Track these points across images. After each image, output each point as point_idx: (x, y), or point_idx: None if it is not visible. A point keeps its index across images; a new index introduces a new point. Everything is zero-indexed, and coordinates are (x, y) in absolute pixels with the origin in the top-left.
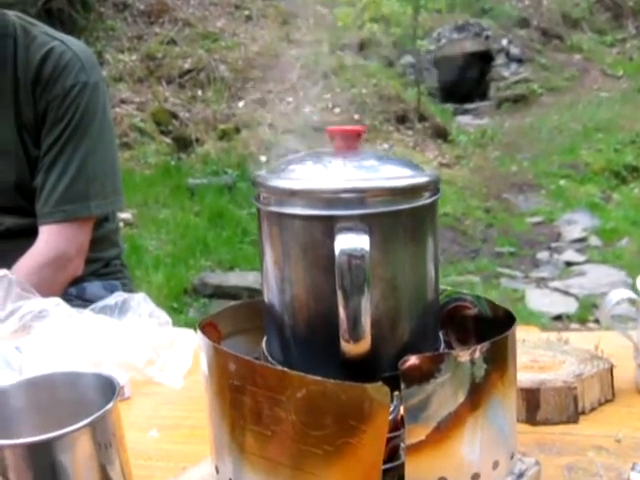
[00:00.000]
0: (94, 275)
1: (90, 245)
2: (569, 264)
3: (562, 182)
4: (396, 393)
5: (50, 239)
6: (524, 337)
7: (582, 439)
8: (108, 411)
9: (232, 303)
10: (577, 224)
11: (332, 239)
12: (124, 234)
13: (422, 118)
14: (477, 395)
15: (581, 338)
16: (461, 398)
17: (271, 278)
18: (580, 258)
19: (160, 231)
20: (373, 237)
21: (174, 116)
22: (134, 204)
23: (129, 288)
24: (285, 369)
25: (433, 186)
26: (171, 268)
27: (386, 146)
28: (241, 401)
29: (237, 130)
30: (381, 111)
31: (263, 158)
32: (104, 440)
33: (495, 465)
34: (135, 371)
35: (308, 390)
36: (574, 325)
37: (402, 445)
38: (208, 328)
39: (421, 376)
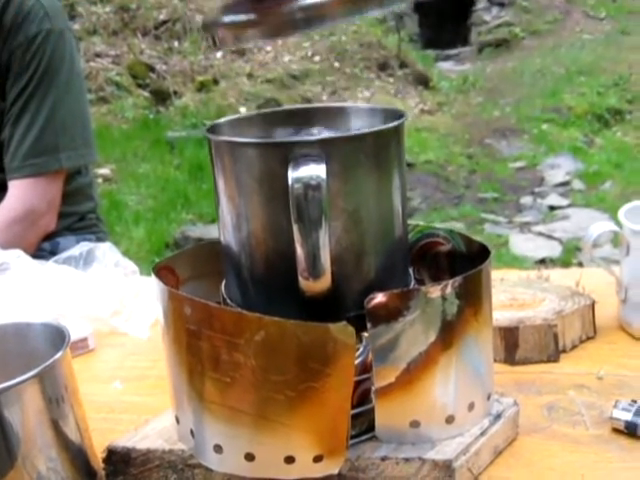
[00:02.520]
0: (68, 230)
1: (63, 199)
2: (552, 208)
3: (545, 126)
4: (364, 334)
5: (20, 194)
6: (502, 276)
7: (563, 378)
8: (57, 361)
9: (191, 246)
10: (560, 168)
11: (287, 168)
12: (103, 190)
13: (403, 65)
14: (449, 333)
15: (562, 275)
16: (432, 337)
17: (226, 215)
18: (563, 202)
19: (140, 186)
20: (332, 165)
21: (151, 69)
22: (113, 159)
23: (106, 242)
24: (242, 311)
25: (397, 112)
26: (152, 223)
27: (367, 94)
28: (198, 347)
29: (215, 81)
30: (361, 58)
31: (242, 109)
32: (55, 394)
33: (471, 407)
34: (100, 322)
35: (267, 332)
36: (558, 269)
37: (373, 389)
38: (164, 272)
39: (388, 314)
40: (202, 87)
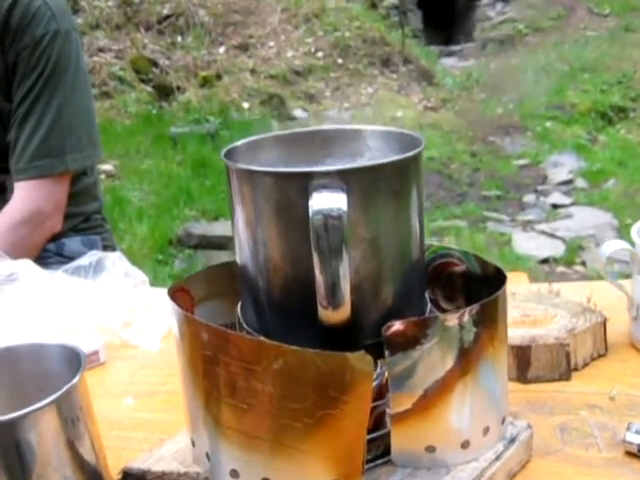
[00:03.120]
0: (73, 230)
1: (68, 200)
2: (555, 207)
3: (548, 124)
4: (380, 360)
5: (26, 196)
6: (514, 290)
7: (575, 397)
8: (74, 386)
9: (206, 267)
10: (563, 166)
11: (307, 198)
12: (106, 186)
13: (406, 61)
14: (466, 360)
15: (573, 289)
16: (449, 364)
17: (243, 240)
18: (566, 200)
19: (143, 182)
20: (351, 195)
21: (154, 64)
22: (115, 155)
23: (110, 242)
24: (260, 338)
25: (414, 137)
26: (155, 219)
27: (370, 90)
28: (215, 372)
29: (218, 77)
30: (365, 54)
31: (245, 105)
32: (71, 415)
33: (485, 431)
34: (111, 334)
35: (285, 360)
36: (561, 268)
37: (388, 412)
38: (179, 294)
39: (406, 342)
40: (205, 82)
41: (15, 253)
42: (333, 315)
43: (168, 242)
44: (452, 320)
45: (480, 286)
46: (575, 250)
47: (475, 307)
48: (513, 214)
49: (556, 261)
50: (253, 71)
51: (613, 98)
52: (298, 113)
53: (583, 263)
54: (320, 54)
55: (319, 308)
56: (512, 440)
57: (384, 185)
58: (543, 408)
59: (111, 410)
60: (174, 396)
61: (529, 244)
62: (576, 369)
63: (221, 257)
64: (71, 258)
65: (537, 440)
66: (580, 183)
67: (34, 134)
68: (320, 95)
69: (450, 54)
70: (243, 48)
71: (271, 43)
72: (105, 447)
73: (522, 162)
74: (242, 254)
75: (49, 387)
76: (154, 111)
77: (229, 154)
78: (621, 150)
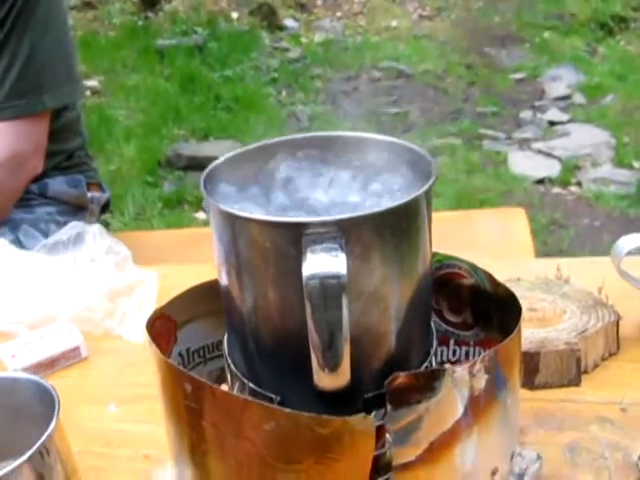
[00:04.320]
0: (56, 169)
1: (50, 137)
2: (552, 124)
3: (546, 34)
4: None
5: (3, 138)
6: (519, 275)
7: (584, 408)
8: (49, 437)
9: (184, 289)
10: (561, 80)
11: (299, 248)
12: (91, 104)
13: None
14: (476, 408)
15: (581, 273)
16: (458, 414)
17: (228, 282)
18: (564, 117)
19: (129, 99)
20: (352, 245)
21: None
22: (100, 70)
23: (95, 180)
24: (249, 399)
25: (423, 156)
26: (142, 140)
27: None
28: (200, 425)
29: None
30: None
31: (234, 14)
32: (46, 466)
33: (494, 472)
34: (91, 324)
35: (278, 423)
36: (556, 189)
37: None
38: (160, 322)
39: (411, 396)
40: None
41: None
42: (330, 381)
43: (157, 163)
44: (462, 371)
45: (489, 303)
46: (571, 170)
47: (488, 355)
48: (509, 131)
49: (552, 182)
50: None
51: (614, 7)
52: (289, 23)
53: (579, 184)
54: None
55: (314, 369)
56: (521, 475)
57: (389, 232)
58: (552, 422)
59: (93, 419)
60: (158, 403)
61: (525, 164)
62: (586, 371)
63: None
64: (55, 199)
65: (546, 462)
66: (578, 98)
67: (7, 73)
68: (312, 4)
69: None
70: None
71: None
72: (88, 466)
73: (519, 76)
74: (227, 297)
75: (23, 421)
76: (139, 22)
77: (210, 177)
78: (621, 63)
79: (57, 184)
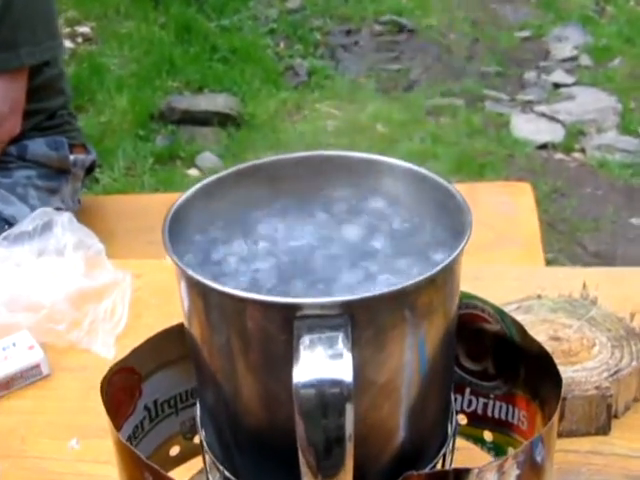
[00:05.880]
0: (36, 130)
1: (29, 95)
2: (557, 86)
3: None
4: None
5: None
6: (539, 292)
7: (613, 463)
8: None
9: (147, 337)
10: (568, 41)
11: (290, 331)
12: (82, 51)
13: None
14: None
15: (610, 289)
16: None
17: (202, 360)
18: (569, 79)
19: (122, 47)
20: (361, 330)
21: None
22: (92, 16)
23: (78, 141)
24: None
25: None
26: (135, 91)
27: None
28: None
29: None
30: None
31: None
32: None
33: None
34: (54, 336)
35: None
36: (559, 155)
37: None
38: (120, 375)
39: None
40: None
41: None
42: None
43: (150, 116)
44: (490, 471)
45: (516, 355)
46: (575, 136)
47: (523, 452)
48: (513, 93)
49: (555, 147)
50: None
51: None
52: None
53: (582, 150)
54: None
55: (303, 474)
56: None
57: (409, 310)
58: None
59: (52, 458)
60: None
61: (528, 127)
62: (616, 416)
63: (205, 134)
64: (35, 162)
65: None
66: (584, 60)
67: None
68: None
69: None
70: None
71: None
72: None
73: (524, 34)
74: (201, 377)
75: None
76: None
77: (176, 217)
78: (629, 24)
79: (37, 146)
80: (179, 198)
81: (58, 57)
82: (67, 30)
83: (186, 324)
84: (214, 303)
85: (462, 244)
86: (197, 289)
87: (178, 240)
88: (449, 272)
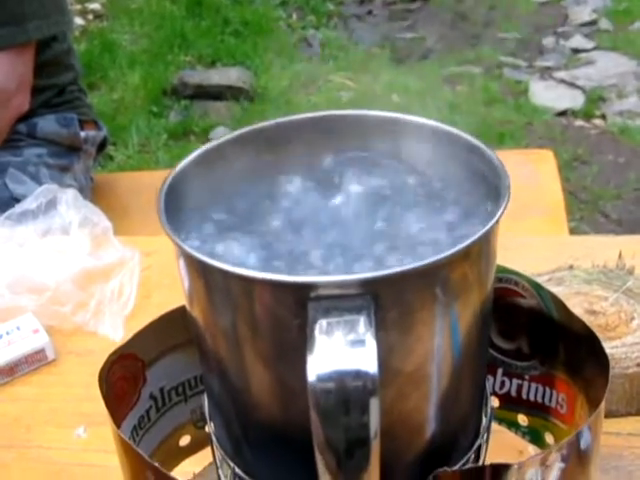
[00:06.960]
0: (46, 107)
1: (37, 71)
2: (576, 51)
3: None
4: None
5: None
6: (572, 262)
7: None
8: None
9: (150, 320)
10: (587, 5)
11: (305, 315)
12: (94, 28)
13: None
14: None
15: None
16: None
17: (207, 349)
18: (588, 45)
19: (133, 23)
20: (385, 311)
21: None
22: None
23: (89, 117)
24: None
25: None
26: (147, 67)
27: None
28: None
29: None
30: None
31: None
32: None
33: None
34: (60, 319)
35: None
36: (579, 122)
37: None
38: (121, 363)
39: None
40: None
41: None
42: None
43: (162, 92)
44: (532, 466)
45: (555, 333)
46: (595, 102)
47: (568, 443)
48: (531, 59)
49: (574, 114)
50: None
51: None
52: None
53: (603, 116)
54: None
55: (320, 474)
56: None
57: (441, 288)
58: (618, 467)
59: (58, 447)
60: None
61: (547, 94)
62: None
63: (218, 108)
64: (45, 140)
65: None
66: (604, 24)
67: None
68: None
69: None
70: None
71: None
72: None
73: None
74: (206, 366)
75: None
76: None
77: (172, 189)
78: None
79: (47, 123)
80: (176, 168)
81: (67, 32)
82: (78, 7)
83: (187, 307)
84: (216, 283)
85: (500, 210)
86: (198, 268)
87: (174, 220)
88: (485, 243)
